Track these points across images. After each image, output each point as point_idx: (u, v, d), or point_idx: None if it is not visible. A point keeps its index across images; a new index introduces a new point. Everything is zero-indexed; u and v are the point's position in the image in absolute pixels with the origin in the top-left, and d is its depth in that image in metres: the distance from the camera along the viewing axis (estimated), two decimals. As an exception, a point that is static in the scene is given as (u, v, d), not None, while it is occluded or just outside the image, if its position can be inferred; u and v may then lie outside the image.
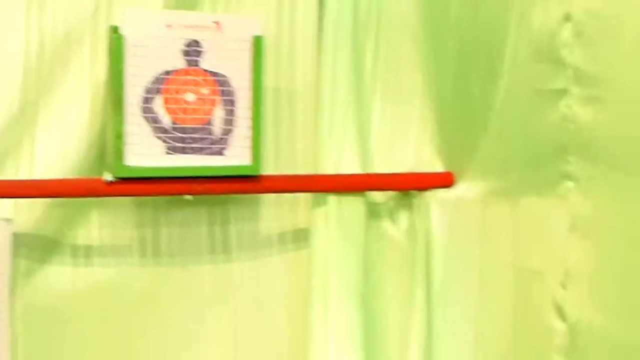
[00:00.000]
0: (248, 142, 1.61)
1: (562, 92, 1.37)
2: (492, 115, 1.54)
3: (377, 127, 1.74)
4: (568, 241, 1.39)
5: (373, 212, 1.74)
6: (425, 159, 1.74)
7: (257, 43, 1.59)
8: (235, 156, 1.60)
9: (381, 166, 1.74)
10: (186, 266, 1.70)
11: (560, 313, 1.40)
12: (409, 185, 1.71)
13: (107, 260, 1.66)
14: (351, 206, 1.69)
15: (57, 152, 1.61)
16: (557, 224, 1.40)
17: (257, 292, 1.74)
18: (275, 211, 1.75)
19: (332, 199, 1.69)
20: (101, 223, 1.66)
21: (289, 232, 1.75)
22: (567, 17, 1.35)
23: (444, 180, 1.69)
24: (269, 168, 1.70)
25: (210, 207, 1.72)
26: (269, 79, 1.70)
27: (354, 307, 1.67)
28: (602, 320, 1.32)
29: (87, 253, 1.65)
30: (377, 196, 1.75)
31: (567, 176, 1.39)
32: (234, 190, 1.62)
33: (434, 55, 1.70)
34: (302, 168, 1.74)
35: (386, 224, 1.75)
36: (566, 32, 1.35)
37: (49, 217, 1.62)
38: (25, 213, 1.59)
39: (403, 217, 1.75)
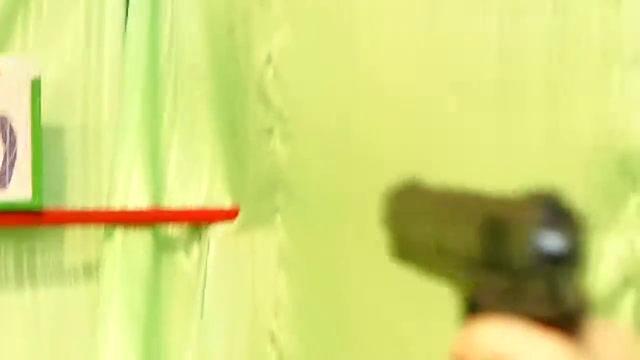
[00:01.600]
0: (29, 179, 1.67)
1: (270, 131, 1.44)
2: (243, 154, 1.61)
3: (173, 164, 1.80)
4: (277, 272, 1.47)
5: (167, 245, 1.81)
6: (217, 194, 1.80)
7: (35, 85, 1.66)
8: (17, 192, 1.67)
9: (175, 200, 1.80)
10: None
11: (273, 339, 1.47)
12: (196, 219, 1.77)
13: None
14: (137, 239, 1.76)
15: None
16: (270, 256, 1.48)
17: (60, 323, 1.80)
18: (81, 243, 1.82)
19: (118, 232, 1.75)
20: None
21: (93, 264, 1.82)
22: (269, 59, 1.42)
23: (229, 215, 1.75)
24: (75, 201, 1.78)
25: (17, 239, 1.79)
26: (76, 116, 1.78)
27: (135, 338, 1.73)
28: (302, 347, 1.39)
29: None
30: (173, 230, 1.81)
31: (277, 211, 1.46)
32: (19, 224, 1.69)
33: (223, 97, 1.77)
34: (109, 202, 1.80)
35: (180, 257, 1.82)
36: (269, 73, 1.43)
37: None
38: None
39: (195, 250, 1.81)
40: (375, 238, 1.35)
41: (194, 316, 1.75)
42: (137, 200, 1.77)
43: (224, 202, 1.80)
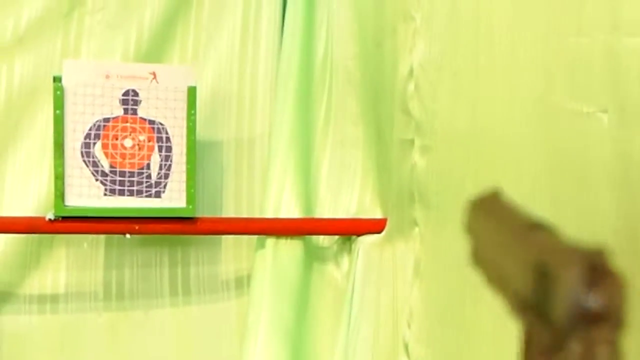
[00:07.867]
0: (184, 186, 1.70)
1: (411, 143, 1.42)
2: (389, 165, 1.60)
3: (325, 174, 1.81)
4: (413, 283, 1.44)
5: (318, 255, 1.80)
6: (367, 205, 1.79)
7: (191, 93, 1.69)
8: (172, 199, 1.70)
9: (326, 211, 1.80)
10: (148, 309, 1.82)
11: (407, 351, 1.44)
12: (344, 231, 1.76)
13: (73, 303, 1.80)
14: (288, 249, 1.76)
15: (21, 194, 1.76)
16: (407, 266, 1.45)
17: (211, 334, 1.83)
18: (233, 254, 1.84)
19: (269, 241, 1.76)
20: (68, 264, 1.80)
21: (245, 275, 1.84)
22: (411, 72, 1.41)
23: (378, 226, 1.73)
24: (229, 211, 1.80)
25: (172, 249, 1.83)
26: (231, 127, 1.82)
27: (284, 346, 1.73)
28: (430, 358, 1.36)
29: (53, 297, 1.79)
30: (324, 240, 1.81)
31: (415, 222, 1.43)
32: (170, 231, 1.72)
33: (372, 109, 1.76)
34: (261, 212, 1.82)
35: (331, 267, 1.81)
36: (411, 86, 1.41)
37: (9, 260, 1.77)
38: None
39: (345, 261, 1.80)
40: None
41: (342, 326, 1.74)
42: (289, 210, 1.78)
43: (374, 212, 1.79)
